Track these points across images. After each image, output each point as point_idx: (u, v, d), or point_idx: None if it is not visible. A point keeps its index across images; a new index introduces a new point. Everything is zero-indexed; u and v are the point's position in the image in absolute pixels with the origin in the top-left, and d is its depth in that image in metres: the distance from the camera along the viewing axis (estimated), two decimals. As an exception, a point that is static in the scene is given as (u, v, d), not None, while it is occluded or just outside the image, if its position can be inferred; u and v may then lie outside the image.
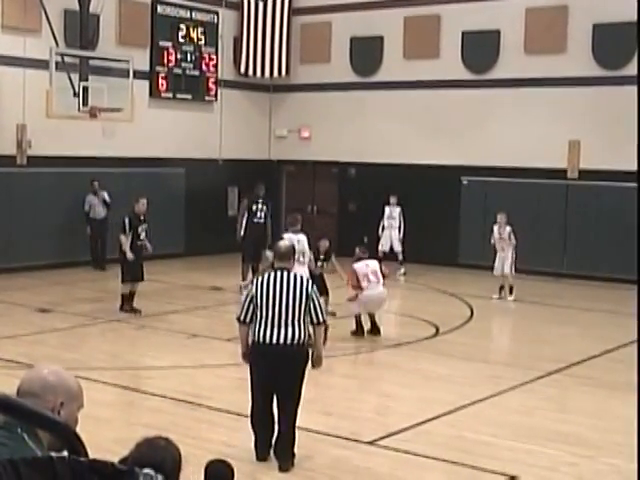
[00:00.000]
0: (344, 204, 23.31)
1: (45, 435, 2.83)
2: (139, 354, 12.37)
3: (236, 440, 8.40)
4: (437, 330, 13.99)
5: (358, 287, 13.25)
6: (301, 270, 12.78)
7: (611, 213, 19.21)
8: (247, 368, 7.97)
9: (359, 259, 13.73)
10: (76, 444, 2.61)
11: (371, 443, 8.43)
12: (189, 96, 22.16)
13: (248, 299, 7.73)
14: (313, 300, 7.70)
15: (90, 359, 11.70)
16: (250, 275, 16.51)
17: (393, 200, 20.08)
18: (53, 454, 2.65)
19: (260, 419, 7.85)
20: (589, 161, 19.61)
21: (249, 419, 7.97)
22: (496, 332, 15.83)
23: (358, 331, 13.51)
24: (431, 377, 11.24)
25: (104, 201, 19.32)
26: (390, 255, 19.58)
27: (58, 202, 19.28)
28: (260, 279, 7.77)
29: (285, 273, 7.71)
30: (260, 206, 17.34)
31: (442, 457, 8.10)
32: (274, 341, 7.60)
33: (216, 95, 22.63)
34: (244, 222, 17.32)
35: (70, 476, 2.44)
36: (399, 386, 10.91)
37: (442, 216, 21.47)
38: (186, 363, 12.05)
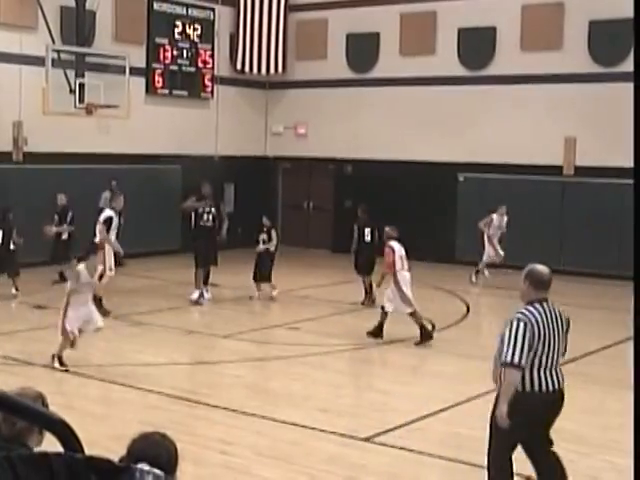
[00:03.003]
0: (340, 201, 23.31)
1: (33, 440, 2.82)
2: (135, 351, 12.35)
3: (234, 437, 8.40)
4: (433, 327, 13.99)
5: (392, 267, 12.65)
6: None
7: (607, 210, 19.22)
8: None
9: (391, 238, 13.14)
10: (72, 441, 2.61)
11: (367, 440, 8.43)
12: (185, 93, 22.15)
13: (527, 340, 6.18)
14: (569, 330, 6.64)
15: (86, 356, 11.69)
16: (202, 284, 15.67)
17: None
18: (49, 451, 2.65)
19: None
20: (585, 158, 19.62)
21: None
22: (492, 329, 15.76)
23: (378, 332, 12.96)
24: (427, 374, 11.25)
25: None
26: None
27: (54, 199, 19.22)
28: (533, 316, 6.28)
29: (552, 307, 6.44)
30: (207, 209, 15.79)
31: (438, 454, 8.11)
32: (555, 388, 6.41)
33: (212, 92, 22.62)
34: (192, 224, 15.95)
35: (66, 473, 2.44)
36: (395, 383, 10.91)
37: (439, 213, 21.47)
38: (183, 360, 12.07)
